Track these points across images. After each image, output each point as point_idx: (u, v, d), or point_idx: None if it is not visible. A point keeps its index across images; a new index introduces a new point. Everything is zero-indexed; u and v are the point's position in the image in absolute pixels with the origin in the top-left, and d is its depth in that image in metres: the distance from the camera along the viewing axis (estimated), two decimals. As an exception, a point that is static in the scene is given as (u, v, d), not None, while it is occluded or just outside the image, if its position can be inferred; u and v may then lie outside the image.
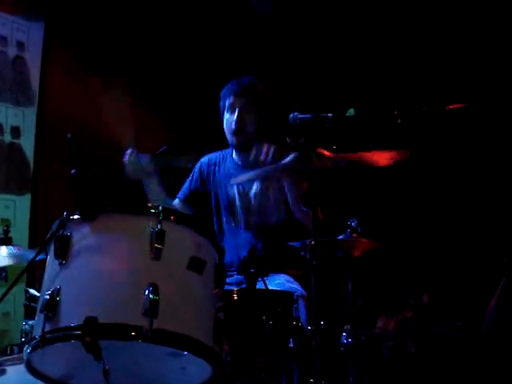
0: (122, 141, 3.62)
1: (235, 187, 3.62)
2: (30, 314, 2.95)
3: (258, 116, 3.61)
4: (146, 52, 4.91)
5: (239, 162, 3.69)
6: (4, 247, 3.16)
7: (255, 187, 3.60)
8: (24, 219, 4.47)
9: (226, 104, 3.63)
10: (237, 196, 3.62)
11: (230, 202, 3.64)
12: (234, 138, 3.63)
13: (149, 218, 2.18)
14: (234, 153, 3.73)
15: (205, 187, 3.74)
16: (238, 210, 3.61)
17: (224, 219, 3.65)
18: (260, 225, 3.55)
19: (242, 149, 3.65)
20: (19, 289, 2.89)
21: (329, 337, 2.80)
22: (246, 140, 3.61)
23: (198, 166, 3.82)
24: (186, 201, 3.75)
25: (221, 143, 3.75)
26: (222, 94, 3.68)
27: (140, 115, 4.83)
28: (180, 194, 3.80)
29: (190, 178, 3.81)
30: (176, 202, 3.77)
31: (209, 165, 3.79)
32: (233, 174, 3.59)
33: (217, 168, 3.76)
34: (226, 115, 3.64)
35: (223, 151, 3.81)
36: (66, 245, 2.14)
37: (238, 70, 4.69)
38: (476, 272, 4.19)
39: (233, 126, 3.59)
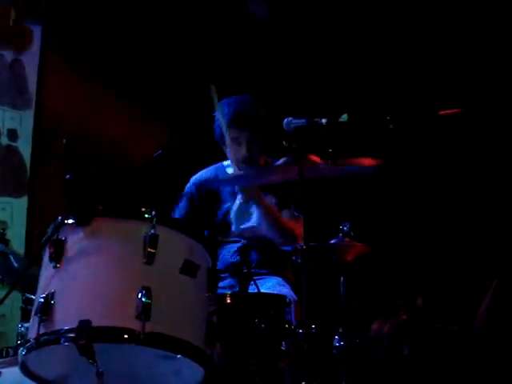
0: None
1: (234, 210, 3.56)
2: (26, 316, 2.98)
3: (261, 141, 3.61)
4: (144, 55, 4.93)
5: None
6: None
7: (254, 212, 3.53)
8: (21, 221, 4.50)
9: (229, 134, 3.53)
10: (234, 219, 3.57)
11: (227, 222, 3.59)
12: (240, 165, 3.58)
13: (142, 223, 2.20)
14: (229, 168, 3.68)
15: (201, 207, 3.67)
16: (235, 229, 3.57)
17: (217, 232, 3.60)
18: (254, 237, 3.52)
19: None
20: (16, 291, 2.91)
21: (322, 340, 2.83)
22: (251, 165, 3.57)
23: (189, 188, 3.75)
24: None
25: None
26: (221, 119, 3.55)
27: (137, 118, 4.88)
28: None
29: (183, 203, 3.72)
30: None
31: (201, 184, 3.72)
32: (231, 190, 3.58)
33: (212, 185, 3.70)
34: (231, 145, 3.56)
35: (215, 167, 3.78)
36: (60, 249, 2.17)
37: (233, 74, 4.73)
38: (470, 275, 4.21)
39: (242, 159, 3.56)
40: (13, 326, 3.98)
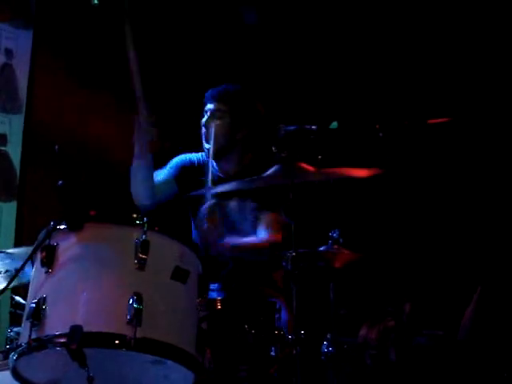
0: None
1: (208, 203, 3.49)
2: (15, 321, 2.98)
3: (230, 123, 3.53)
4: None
5: (217, 171, 3.60)
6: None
7: (232, 204, 3.52)
8: (10, 226, 4.48)
9: (204, 110, 3.58)
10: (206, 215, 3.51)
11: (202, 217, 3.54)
12: (204, 143, 3.55)
13: (134, 229, 2.22)
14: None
15: (178, 188, 3.63)
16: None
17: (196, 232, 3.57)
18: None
19: (214, 157, 3.49)
20: (4, 296, 2.91)
21: (311, 346, 2.84)
22: (216, 148, 3.47)
23: (175, 163, 3.69)
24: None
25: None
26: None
27: (128, 123, 4.87)
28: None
29: (165, 171, 3.66)
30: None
31: (185, 166, 3.67)
32: (211, 184, 3.45)
33: (195, 171, 3.61)
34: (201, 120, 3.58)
35: (203, 155, 3.67)
36: (52, 254, 2.18)
37: (224, 79, 4.74)
38: (458, 281, 4.24)
39: (202, 129, 3.54)
40: (1, 331, 3.98)
